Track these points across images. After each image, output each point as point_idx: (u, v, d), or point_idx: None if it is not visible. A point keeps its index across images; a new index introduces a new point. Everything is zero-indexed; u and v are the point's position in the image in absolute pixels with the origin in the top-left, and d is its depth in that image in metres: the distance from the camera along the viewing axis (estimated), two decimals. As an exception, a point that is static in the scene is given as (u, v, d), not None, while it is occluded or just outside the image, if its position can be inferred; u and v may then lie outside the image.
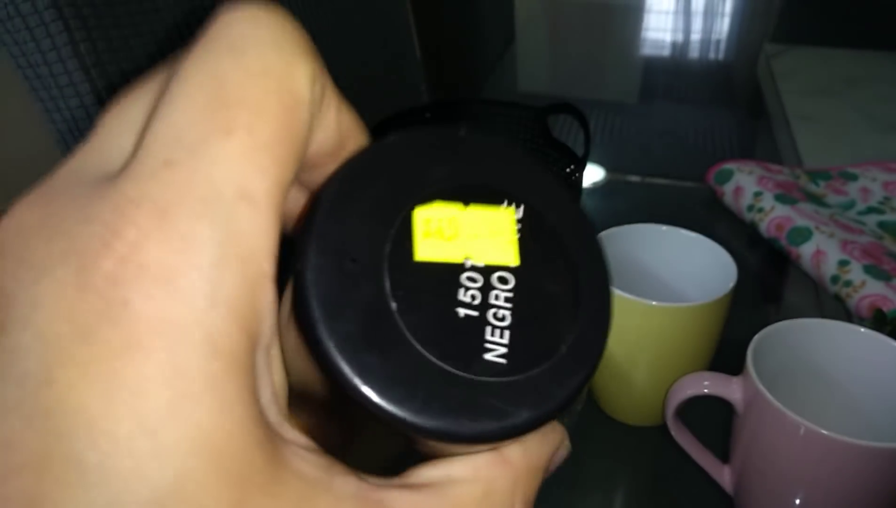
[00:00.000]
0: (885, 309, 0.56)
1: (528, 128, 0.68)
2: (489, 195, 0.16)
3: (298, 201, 0.16)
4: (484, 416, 0.14)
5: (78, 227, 0.11)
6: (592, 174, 0.88)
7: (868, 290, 0.58)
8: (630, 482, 0.48)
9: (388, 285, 0.14)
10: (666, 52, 1.35)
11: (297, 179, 0.14)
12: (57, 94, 0.46)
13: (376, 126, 0.63)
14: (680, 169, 0.89)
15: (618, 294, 0.45)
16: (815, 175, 0.78)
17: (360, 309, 0.13)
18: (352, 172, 0.15)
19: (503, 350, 0.14)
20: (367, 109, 0.67)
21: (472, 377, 0.14)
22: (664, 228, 0.52)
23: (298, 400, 0.15)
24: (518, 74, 1.27)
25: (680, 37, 1.42)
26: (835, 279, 0.62)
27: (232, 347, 0.11)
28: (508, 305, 0.15)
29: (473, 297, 0.15)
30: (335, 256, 0.14)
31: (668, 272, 0.53)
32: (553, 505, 0.46)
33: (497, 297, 0.15)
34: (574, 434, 0.52)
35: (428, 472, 0.14)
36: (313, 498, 0.12)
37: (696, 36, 1.42)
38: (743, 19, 1.52)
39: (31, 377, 0.10)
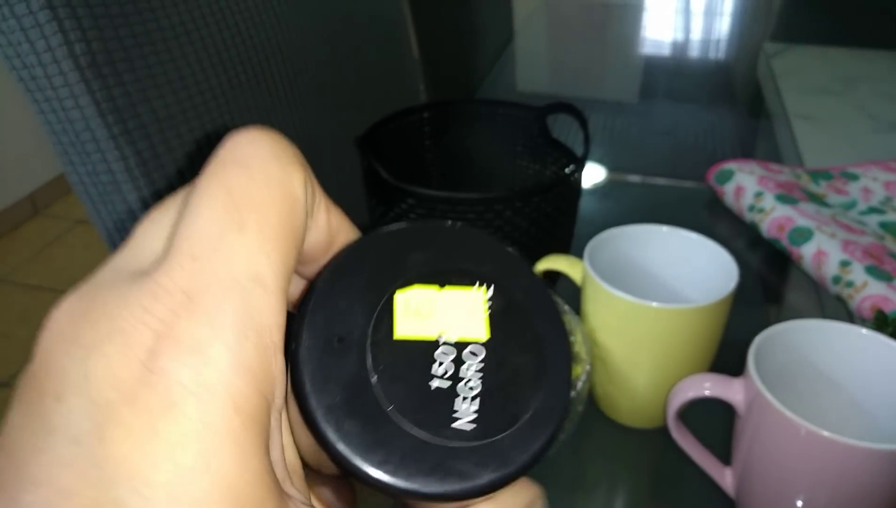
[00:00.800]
0: (886, 310, 0.55)
1: (527, 128, 0.67)
2: (462, 278, 0.18)
3: (298, 287, 0.19)
4: (451, 478, 0.15)
5: (120, 311, 0.13)
6: (592, 174, 0.87)
7: (870, 291, 0.58)
8: (631, 484, 0.48)
9: (369, 361, 0.16)
10: (666, 52, 1.35)
11: (296, 270, 0.17)
12: (52, 95, 0.45)
13: (374, 126, 0.63)
14: (680, 169, 0.89)
15: (619, 296, 0.45)
16: (816, 175, 0.78)
17: (343, 383, 0.16)
18: (340, 264, 0.17)
19: (472, 418, 0.16)
20: (365, 109, 0.66)
21: (442, 442, 0.16)
22: (665, 228, 0.52)
23: (312, 471, 0.18)
24: (517, 74, 1.27)
25: (680, 36, 1.42)
26: (836, 280, 0.61)
27: (251, 407, 0.13)
28: (478, 376, 0.17)
29: (446, 370, 0.16)
30: (324, 336, 0.16)
31: (669, 273, 0.53)
32: (554, 507, 0.46)
33: (468, 369, 0.17)
34: (575, 437, 0.52)
35: None
36: None
37: (695, 35, 1.41)
38: (743, 18, 1.51)
39: (86, 436, 0.12)
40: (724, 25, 1.48)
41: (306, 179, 0.16)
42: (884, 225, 0.69)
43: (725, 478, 0.44)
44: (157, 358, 0.13)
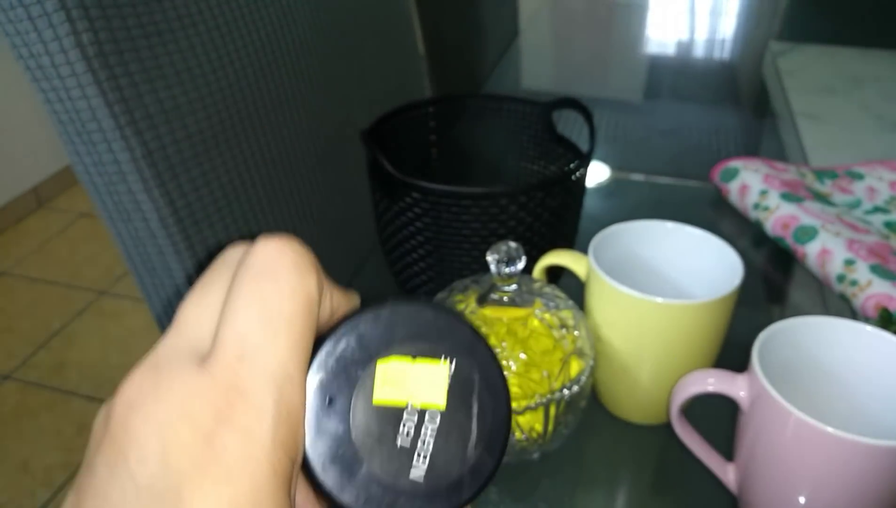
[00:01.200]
0: (890, 309, 0.55)
1: (533, 123, 0.67)
2: (432, 353, 0.22)
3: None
4: None
5: (189, 399, 0.18)
6: (597, 173, 0.87)
7: (874, 289, 0.58)
8: (633, 480, 0.48)
9: (351, 420, 0.21)
10: (671, 51, 1.34)
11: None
12: (59, 84, 0.45)
13: (380, 119, 0.63)
14: (685, 168, 0.88)
15: (623, 291, 0.45)
16: (821, 174, 0.78)
17: (330, 437, 0.21)
18: (337, 337, 0.21)
19: (422, 471, 0.21)
20: (370, 105, 0.66)
21: (401, 488, 0.21)
22: (669, 224, 0.52)
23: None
24: (522, 71, 1.27)
25: (685, 35, 1.41)
26: (840, 278, 0.61)
27: (284, 470, 0.18)
28: (432, 439, 0.21)
29: (409, 431, 0.21)
30: (321, 397, 0.21)
31: (674, 269, 0.53)
32: (556, 503, 0.46)
33: (426, 432, 0.21)
34: (578, 432, 0.52)
35: None
36: None
37: (701, 34, 1.41)
38: (749, 17, 1.51)
39: (168, 493, 0.17)
40: (729, 24, 1.48)
41: (320, 280, 0.20)
42: (888, 224, 0.69)
43: (728, 474, 0.44)
44: (218, 437, 0.17)
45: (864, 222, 0.69)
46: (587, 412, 0.49)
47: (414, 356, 0.22)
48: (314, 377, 0.21)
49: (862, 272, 0.60)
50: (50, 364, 1.83)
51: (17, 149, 2.38)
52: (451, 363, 0.22)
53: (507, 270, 0.44)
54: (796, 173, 0.76)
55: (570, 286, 0.51)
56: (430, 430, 0.21)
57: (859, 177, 0.77)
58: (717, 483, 0.45)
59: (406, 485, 0.21)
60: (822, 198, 0.73)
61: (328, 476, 0.20)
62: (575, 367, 0.45)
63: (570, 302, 0.48)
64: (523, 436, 0.45)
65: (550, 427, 0.45)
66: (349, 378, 0.21)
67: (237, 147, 0.58)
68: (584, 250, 0.49)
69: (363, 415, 0.21)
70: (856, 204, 0.74)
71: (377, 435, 0.21)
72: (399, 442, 0.21)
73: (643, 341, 0.47)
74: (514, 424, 0.44)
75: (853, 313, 0.60)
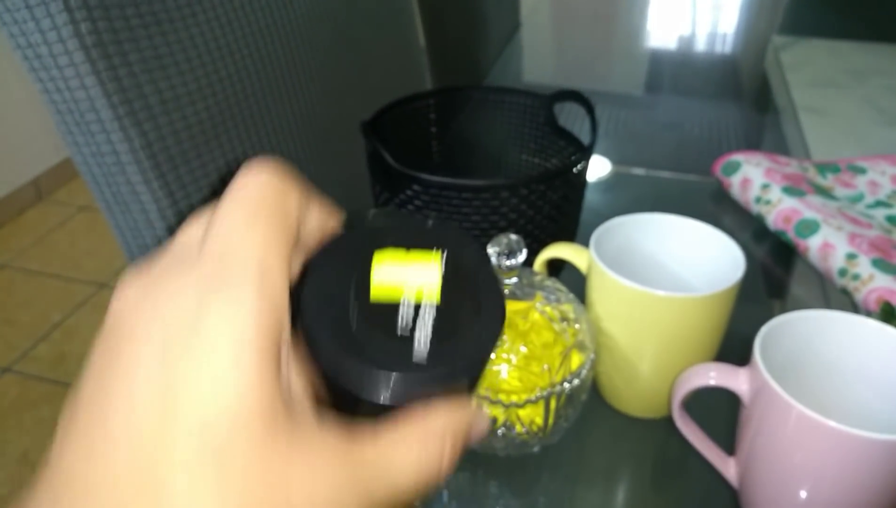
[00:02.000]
0: (893, 303, 0.55)
1: (534, 115, 0.67)
2: (425, 247, 0.23)
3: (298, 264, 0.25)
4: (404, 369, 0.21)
5: (179, 295, 0.20)
6: (598, 167, 0.87)
7: (876, 283, 0.58)
8: (634, 474, 0.48)
9: (351, 313, 0.22)
10: (672, 44, 1.34)
11: (301, 251, 0.23)
12: (57, 74, 0.45)
13: (381, 111, 0.62)
14: (686, 162, 0.88)
15: (624, 284, 0.45)
16: (823, 168, 0.77)
17: (332, 328, 0.21)
18: (328, 245, 0.23)
19: (423, 355, 0.21)
20: (370, 97, 0.66)
21: (400, 371, 0.21)
22: (671, 217, 0.51)
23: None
24: (523, 65, 1.26)
25: (687, 28, 1.41)
26: (842, 273, 0.61)
27: (269, 353, 0.19)
28: (429, 327, 0.22)
29: (407, 322, 0.22)
30: (321, 293, 0.22)
31: (675, 263, 0.52)
32: (557, 497, 0.46)
33: (423, 320, 0.22)
34: (579, 426, 0.52)
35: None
36: (311, 434, 0.20)
37: (702, 27, 1.41)
38: (750, 11, 1.50)
39: (160, 364, 0.19)
40: (731, 18, 1.47)
41: (299, 196, 0.22)
42: (891, 219, 0.69)
43: (729, 468, 0.44)
44: (203, 325, 0.19)
45: (866, 216, 0.69)
46: (588, 405, 0.49)
47: (408, 249, 0.23)
48: (314, 275, 0.22)
49: (864, 267, 0.59)
50: (50, 357, 1.83)
51: (17, 141, 2.38)
52: (443, 254, 0.23)
53: (507, 262, 0.44)
54: (798, 167, 0.76)
55: (572, 280, 0.51)
56: (427, 319, 0.22)
57: (861, 171, 0.77)
58: (718, 477, 0.45)
59: (406, 369, 0.21)
60: (824, 192, 0.72)
61: (330, 363, 0.21)
62: (576, 360, 0.44)
63: (571, 295, 0.47)
64: (524, 429, 0.45)
65: (551, 421, 0.44)
66: (346, 273, 0.22)
67: (237, 138, 0.58)
68: (586, 244, 0.49)
69: (361, 308, 0.22)
70: (858, 198, 0.73)
71: (376, 326, 0.22)
72: (399, 332, 0.22)
73: (644, 334, 0.46)
74: (514, 417, 0.44)
75: (855, 308, 0.59)
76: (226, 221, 0.21)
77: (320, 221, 0.24)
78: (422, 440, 0.22)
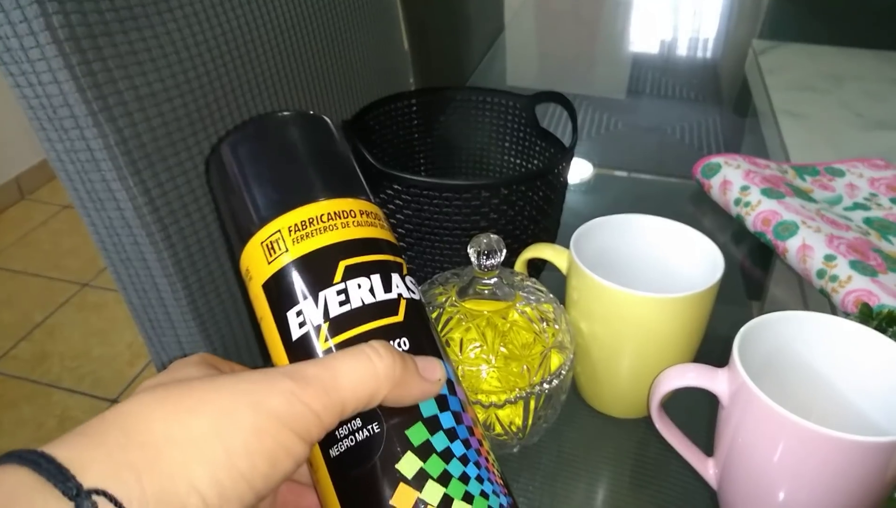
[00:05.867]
0: (871, 304, 0.56)
1: (516, 117, 0.67)
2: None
3: None
4: None
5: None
6: (580, 170, 0.87)
7: (854, 285, 0.58)
8: (613, 474, 0.48)
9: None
10: (655, 48, 1.34)
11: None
12: (28, 68, 0.44)
13: (363, 110, 0.62)
14: (667, 165, 0.88)
15: (604, 285, 0.44)
16: (802, 170, 0.78)
17: None
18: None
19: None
20: (353, 98, 0.65)
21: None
22: (651, 219, 0.51)
23: None
24: (506, 67, 1.26)
25: (668, 32, 1.42)
26: (821, 274, 0.61)
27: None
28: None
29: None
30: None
31: (655, 263, 0.52)
32: (536, 496, 0.46)
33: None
34: (557, 425, 0.51)
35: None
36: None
37: (684, 31, 1.41)
38: (731, 16, 1.51)
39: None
40: (712, 23, 1.48)
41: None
42: (868, 221, 0.70)
43: (708, 469, 0.44)
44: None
45: (845, 218, 0.69)
46: (567, 405, 0.49)
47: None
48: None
49: (842, 268, 0.60)
50: (31, 356, 1.80)
51: (-7, 139, 2.34)
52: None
53: (487, 262, 0.44)
54: (777, 170, 0.77)
55: (552, 280, 0.51)
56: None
57: (840, 174, 0.77)
58: (697, 478, 0.45)
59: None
60: (803, 194, 0.73)
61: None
62: (555, 361, 0.44)
63: (551, 296, 0.47)
64: (503, 430, 0.44)
65: (530, 421, 0.44)
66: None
67: (214, 135, 0.57)
68: (566, 246, 0.49)
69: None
70: (836, 200, 0.74)
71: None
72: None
73: (624, 334, 0.46)
74: (493, 418, 0.43)
75: (833, 309, 0.60)
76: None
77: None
78: (352, 351, 0.26)
